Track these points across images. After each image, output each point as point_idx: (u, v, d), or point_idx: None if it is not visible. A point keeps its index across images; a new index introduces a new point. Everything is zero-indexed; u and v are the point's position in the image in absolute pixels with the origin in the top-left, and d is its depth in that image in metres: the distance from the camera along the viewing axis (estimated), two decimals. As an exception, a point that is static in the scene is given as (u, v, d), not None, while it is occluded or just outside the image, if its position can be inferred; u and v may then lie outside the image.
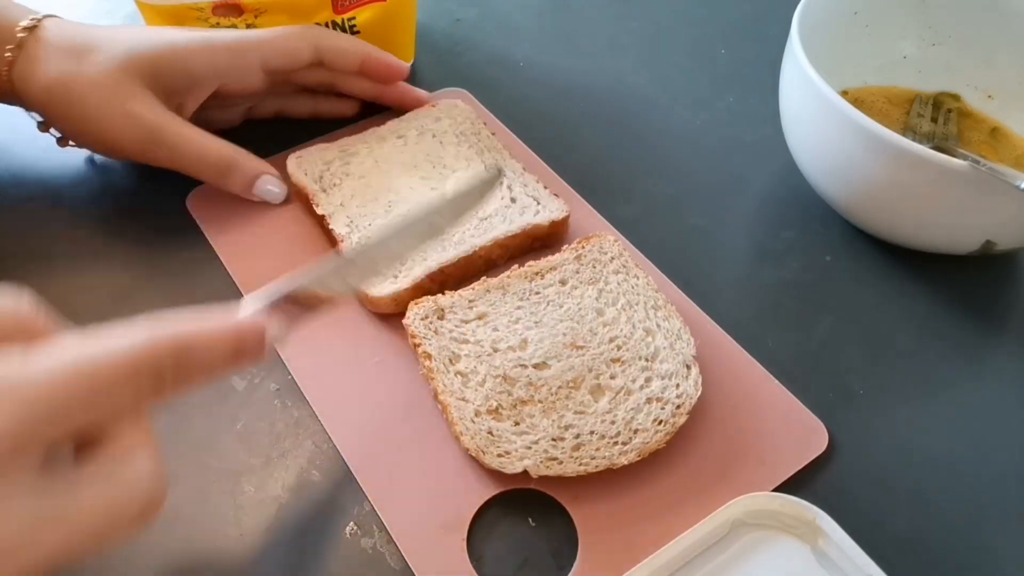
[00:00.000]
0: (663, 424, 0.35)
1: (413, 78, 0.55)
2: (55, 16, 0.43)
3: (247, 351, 0.27)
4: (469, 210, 0.39)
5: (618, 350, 0.37)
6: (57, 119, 0.42)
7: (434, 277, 0.40)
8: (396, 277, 0.40)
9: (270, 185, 0.44)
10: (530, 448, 0.34)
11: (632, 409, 0.35)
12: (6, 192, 0.47)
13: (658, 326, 0.38)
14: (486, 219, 0.42)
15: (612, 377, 0.36)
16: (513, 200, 0.44)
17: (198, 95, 0.44)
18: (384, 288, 0.39)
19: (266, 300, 0.29)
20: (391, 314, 0.40)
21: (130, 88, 0.40)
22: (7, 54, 0.40)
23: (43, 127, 0.44)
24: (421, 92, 0.50)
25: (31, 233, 0.44)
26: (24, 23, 0.40)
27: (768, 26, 0.60)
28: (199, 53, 0.42)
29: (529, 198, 0.44)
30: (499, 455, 0.34)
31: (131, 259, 0.43)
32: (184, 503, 0.34)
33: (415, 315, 0.38)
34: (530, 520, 0.34)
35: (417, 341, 0.37)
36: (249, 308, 0.29)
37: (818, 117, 0.42)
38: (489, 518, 0.34)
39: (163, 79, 0.41)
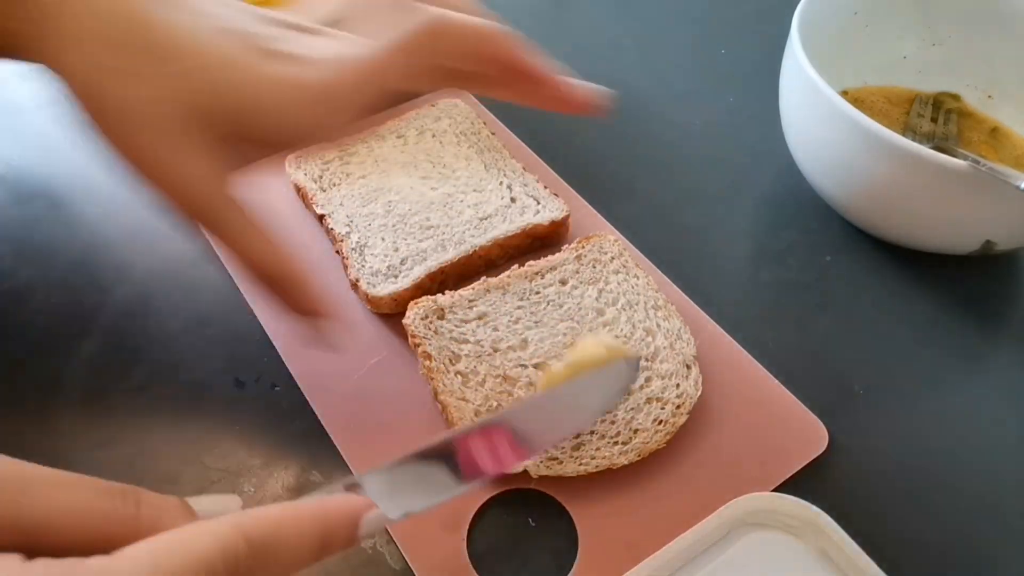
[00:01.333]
0: (663, 424, 0.35)
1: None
2: None
3: (335, 543, 0.23)
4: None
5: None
6: (76, 105, 0.31)
7: (434, 276, 0.40)
8: (396, 277, 0.40)
9: (324, 327, 0.35)
10: None
11: (632, 409, 0.35)
12: (5, 192, 0.47)
13: (658, 326, 0.38)
14: (486, 219, 0.42)
15: None
16: (513, 200, 0.44)
17: (271, 153, 0.34)
18: (384, 287, 0.39)
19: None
20: (391, 314, 0.40)
21: (187, 138, 0.30)
22: (20, 25, 0.29)
23: None
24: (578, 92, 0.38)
25: (30, 233, 0.44)
26: None
27: (768, 26, 0.60)
28: (287, 110, 0.31)
29: (529, 198, 0.44)
30: None
31: (131, 258, 0.43)
32: (184, 503, 0.34)
33: (415, 315, 0.38)
34: (530, 520, 0.34)
35: (417, 341, 0.37)
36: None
37: (818, 117, 0.42)
38: (489, 518, 0.34)
39: (223, 130, 0.31)
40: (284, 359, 0.39)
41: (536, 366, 0.36)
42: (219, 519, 0.22)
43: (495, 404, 0.35)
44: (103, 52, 0.29)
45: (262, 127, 0.31)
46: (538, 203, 0.43)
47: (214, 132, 0.31)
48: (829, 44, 0.47)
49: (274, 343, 0.39)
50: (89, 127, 0.31)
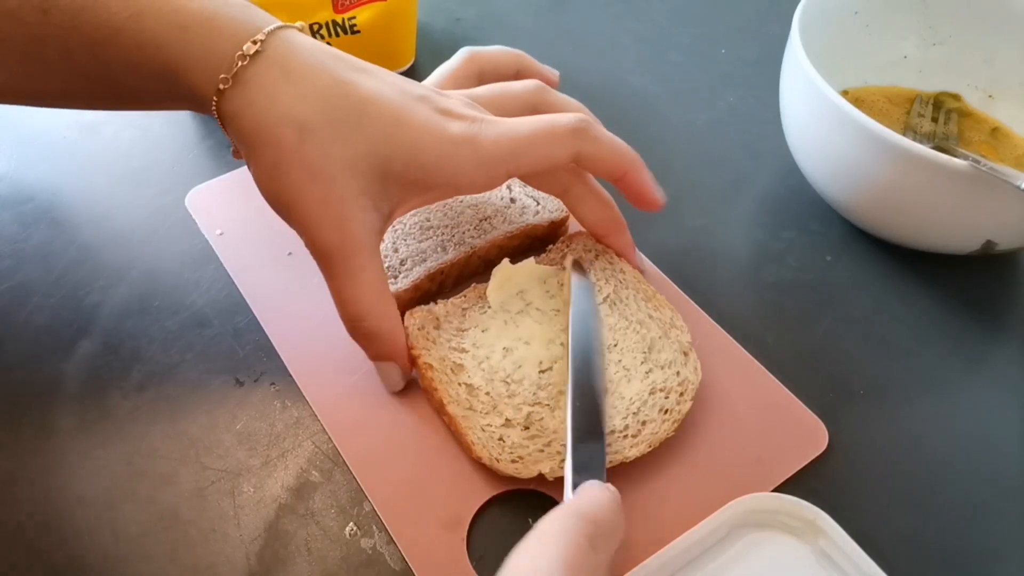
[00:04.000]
0: (669, 413, 0.35)
1: (413, 78, 0.55)
2: (283, 31, 0.33)
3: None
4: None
5: (615, 345, 0.37)
6: (253, 165, 0.34)
7: (433, 277, 0.40)
8: (396, 278, 0.40)
9: (394, 373, 0.37)
10: (543, 451, 0.34)
11: (637, 402, 0.35)
12: (4, 192, 0.47)
13: (650, 316, 0.38)
14: (486, 219, 0.42)
15: (614, 372, 0.36)
16: (513, 200, 0.44)
17: (419, 206, 0.38)
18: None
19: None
20: (391, 314, 0.40)
21: (348, 192, 0.33)
22: (219, 84, 0.32)
23: (236, 155, 0.36)
24: (637, 255, 0.43)
25: (30, 233, 0.44)
26: (247, 46, 0.32)
27: (768, 26, 0.60)
28: (444, 168, 0.34)
29: (529, 198, 0.44)
30: (513, 461, 0.34)
31: (130, 258, 0.43)
32: (184, 503, 0.34)
33: (412, 325, 0.37)
34: (530, 520, 0.34)
35: (417, 352, 0.36)
36: None
37: (818, 117, 0.42)
38: (489, 518, 0.34)
39: (391, 189, 0.34)
40: (284, 359, 0.39)
41: (537, 369, 0.36)
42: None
43: (503, 411, 0.35)
44: (310, 113, 0.32)
45: (433, 180, 0.34)
46: (537, 204, 0.43)
47: (388, 185, 0.34)
48: (829, 44, 0.47)
49: (274, 343, 0.39)
50: (267, 174, 0.33)
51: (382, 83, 0.34)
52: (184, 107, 0.35)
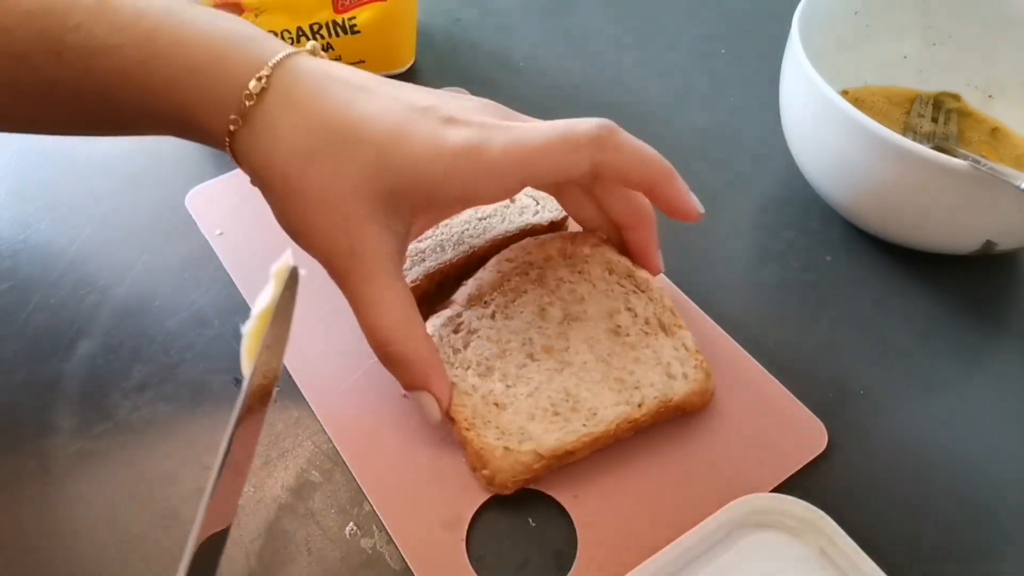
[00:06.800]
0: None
1: (413, 78, 0.55)
2: (289, 60, 0.33)
3: None
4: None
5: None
6: (268, 201, 0.34)
7: (432, 277, 0.40)
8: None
9: (429, 403, 0.34)
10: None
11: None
12: (4, 192, 0.47)
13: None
14: (484, 219, 0.42)
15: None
16: (512, 200, 0.44)
17: (436, 222, 0.38)
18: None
19: None
20: (391, 314, 0.40)
21: (358, 216, 0.32)
22: (230, 124, 0.32)
23: (253, 183, 0.35)
24: (659, 260, 0.40)
25: (30, 233, 0.44)
26: (252, 84, 0.31)
27: (768, 26, 0.60)
28: (449, 182, 0.32)
29: (528, 198, 0.44)
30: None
31: (130, 258, 0.43)
32: (184, 503, 0.34)
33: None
34: (530, 520, 0.34)
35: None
36: None
37: (818, 117, 0.42)
38: (489, 518, 0.34)
39: (402, 208, 0.33)
40: (284, 359, 0.39)
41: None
42: None
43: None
44: (313, 143, 0.32)
45: (440, 196, 0.33)
46: (537, 203, 0.43)
47: (399, 206, 0.33)
48: (829, 44, 0.48)
49: (274, 343, 0.39)
50: (279, 209, 0.33)
51: (383, 99, 0.33)
52: (199, 142, 0.35)
